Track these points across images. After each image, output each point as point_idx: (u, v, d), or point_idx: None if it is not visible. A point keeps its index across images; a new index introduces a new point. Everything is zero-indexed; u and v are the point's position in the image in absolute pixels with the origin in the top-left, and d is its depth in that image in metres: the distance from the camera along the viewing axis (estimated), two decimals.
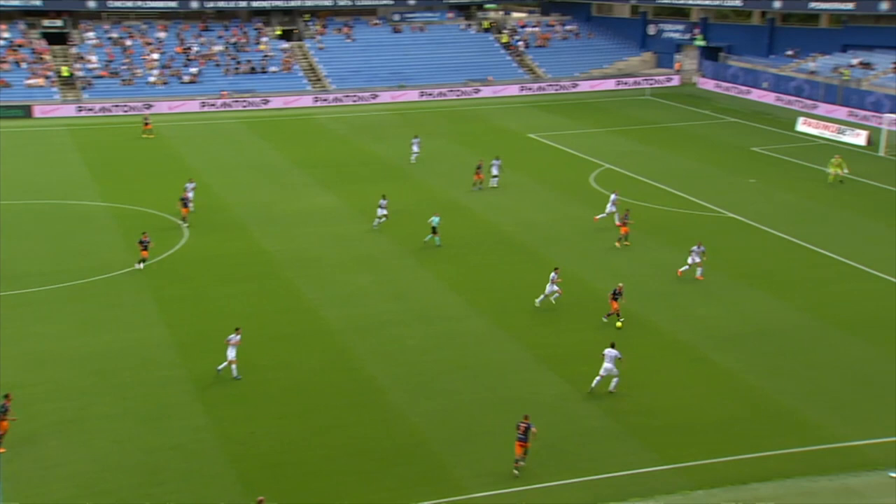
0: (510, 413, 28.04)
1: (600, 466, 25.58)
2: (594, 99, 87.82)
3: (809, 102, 78.30)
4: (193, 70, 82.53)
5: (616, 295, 34.08)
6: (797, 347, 32.24)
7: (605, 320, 33.94)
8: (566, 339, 33.24)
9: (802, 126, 70.42)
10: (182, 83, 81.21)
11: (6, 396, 26.61)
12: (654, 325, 33.75)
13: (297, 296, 37.13)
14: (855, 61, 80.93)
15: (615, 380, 29.27)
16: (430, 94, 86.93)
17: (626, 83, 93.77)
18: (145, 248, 39.00)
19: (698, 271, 38.68)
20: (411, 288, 38.17)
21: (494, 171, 53.70)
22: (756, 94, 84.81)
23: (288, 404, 28.85)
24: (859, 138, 65.32)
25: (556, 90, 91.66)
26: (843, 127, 67.40)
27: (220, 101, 78.62)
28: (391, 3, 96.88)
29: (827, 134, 67.72)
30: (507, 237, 44.70)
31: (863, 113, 72.72)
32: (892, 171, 56.17)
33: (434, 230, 42.61)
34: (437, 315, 35.42)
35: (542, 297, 35.63)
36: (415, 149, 60.67)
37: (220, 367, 30.24)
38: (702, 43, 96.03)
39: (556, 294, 35.64)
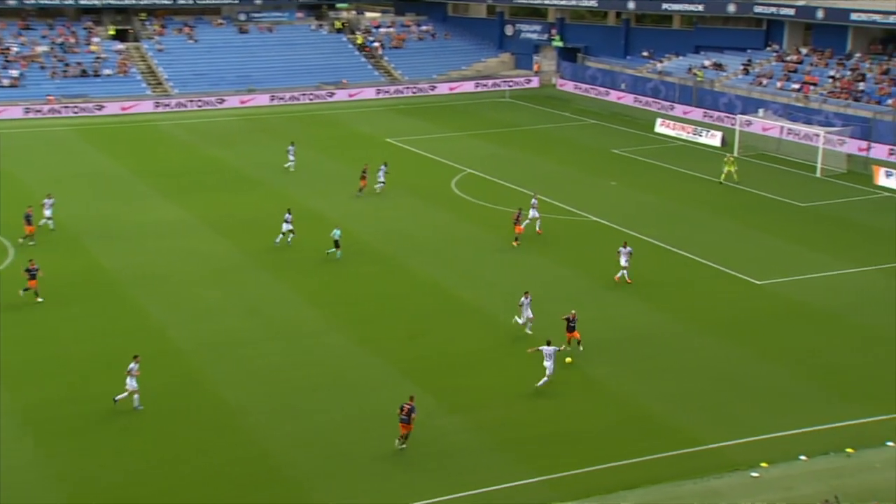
0: (375, 431, 27.69)
1: (470, 481, 25.56)
2: (453, 101, 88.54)
3: (666, 103, 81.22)
4: (14, 73, 78.52)
5: (570, 323, 32.27)
6: (664, 351, 33.19)
7: (566, 349, 31.75)
8: (431, 351, 33.18)
9: (661, 127, 72.98)
10: (1, 87, 77.17)
11: None
12: (523, 333, 34.09)
13: (142, 315, 35.72)
14: (707, 62, 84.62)
15: (545, 378, 29.82)
16: (281, 99, 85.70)
17: (485, 85, 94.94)
18: (33, 277, 36.39)
19: (625, 273, 39.37)
20: (267, 302, 37.36)
21: (381, 177, 54.04)
22: (614, 96, 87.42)
23: (131, 434, 27.61)
24: (714, 139, 68.22)
25: (414, 93, 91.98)
26: (698, 128, 70.28)
27: (46, 107, 75.04)
28: (236, 2, 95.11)
29: (684, 135, 70.43)
30: (367, 246, 44.43)
31: (717, 114, 76.02)
32: (747, 170, 58.94)
33: (336, 244, 42.28)
34: (296, 331, 34.76)
35: (522, 321, 34.02)
36: (290, 157, 59.74)
37: (119, 396, 28.95)
38: (559, 44, 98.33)
39: (529, 322, 33.59)
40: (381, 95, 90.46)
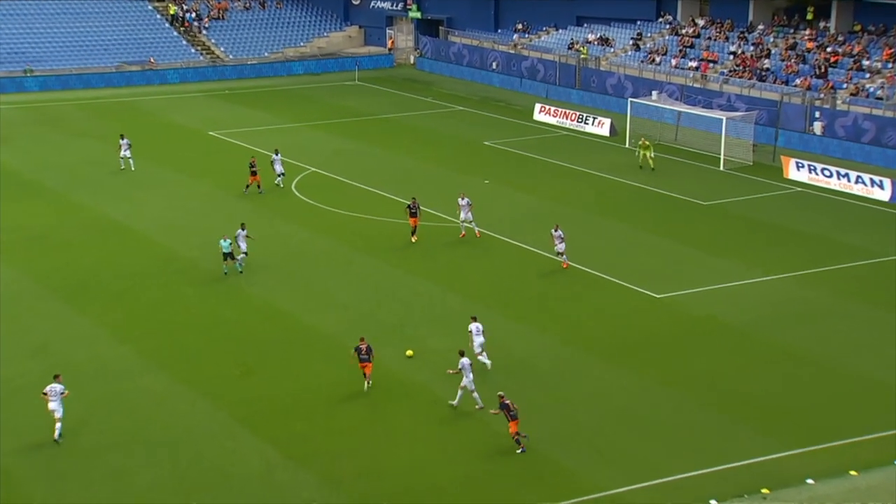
0: (203, 495, 27.20)
1: None
2: (290, 86, 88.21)
3: (546, 86, 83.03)
4: None
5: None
6: (548, 381, 33.72)
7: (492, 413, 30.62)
8: (271, 391, 32.88)
9: (540, 114, 74.45)
10: None
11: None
12: (381, 364, 34.14)
13: None
14: (592, 37, 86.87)
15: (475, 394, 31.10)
16: (67, 83, 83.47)
17: (328, 65, 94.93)
18: None
19: (564, 257, 43.36)
20: (60, 339, 36.24)
21: (278, 168, 54.56)
22: (484, 77, 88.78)
23: None
24: (602, 128, 69.98)
25: (241, 75, 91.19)
26: (584, 114, 72.01)
27: None
28: None
29: (567, 123, 72.00)
30: (188, 264, 43.73)
31: (604, 98, 78.13)
32: (637, 164, 60.69)
33: (229, 256, 42.36)
34: (98, 373, 33.83)
35: (483, 359, 34.19)
36: (124, 152, 58.27)
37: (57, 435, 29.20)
38: (417, 15, 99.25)
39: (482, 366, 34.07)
40: (200, 79, 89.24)
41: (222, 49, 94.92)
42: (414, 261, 44.27)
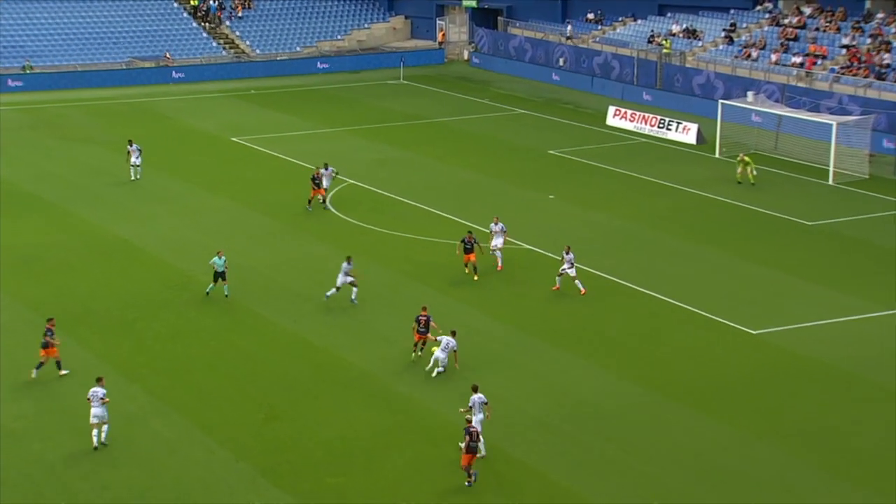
0: None
1: None
2: (325, 85, 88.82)
3: (621, 85, 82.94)
4: None
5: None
6: (626, 431, 33.47)
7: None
8: (297, 439, 32.91)
9: (614, 118, 74.40)
10: None
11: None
12: (431, 410, 34.10)
13: None
14: (676, 28, 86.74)
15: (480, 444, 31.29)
16: (72, 81, 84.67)
17: (370, 61, 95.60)
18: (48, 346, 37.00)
19: (577, 283, 43.77)
20: (58, 377, 36.56)
21: (325, 183, 55.00)
22: (550, 75, 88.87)
23: None
24: (688, 134, 69.80)
25: (269, 73, 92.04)
26: (666, 119, 71.85)
27: None
28: None
29: (647, 129, 71.88)
30: (205, 290, 44.06)
31: (691, 99, 77.86)
32: (731, 177, 60.43)
33: (220, 276, 43.09)
34: (132, 416, 34.11)
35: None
36: (135, 160, 59.24)
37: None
38: (472, 3, 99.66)
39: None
40: (223, 77, 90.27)
41: (248, 43, 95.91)
42: (468, 289, 44.25)
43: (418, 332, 37.88)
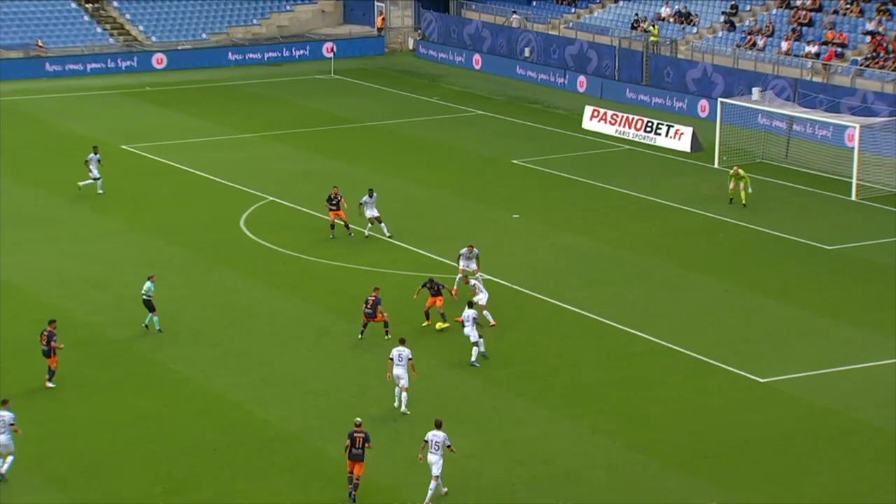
0: None
1: None
2: (239, 80, 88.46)
3: (600, 81, 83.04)
4: None
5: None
6: (602, 499, 33.53)
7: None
8: None
9: (591, 121, 74.37)
10: None
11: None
12: (367, 473, 34.03)
13: None
14: (666, 11, 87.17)
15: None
16: None
17: (293, 51, 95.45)
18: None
19: (485, 314, 44.22)
20: None
21: (369, 211, 53.47)
22: (513, 68, 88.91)
23: None
24: (681, 140, 69.85)
25: (169, 66, 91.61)
26: (654, 121, 71.86)
27: None
28: None
29: (631, 133, 71.98)
30: (90, 334, 43.66)
31: (684, 98, 78.06)
32: (728, 197, 60.47)
33: (148, 305, 43.81)
34: None
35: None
36: (93, 171, 59.28)
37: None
38: None
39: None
40: (112, 69, 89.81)
41: (141, 28, 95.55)
42: (408, 328, 43.99)
43: (365, 313, 42.39)
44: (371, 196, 54.02)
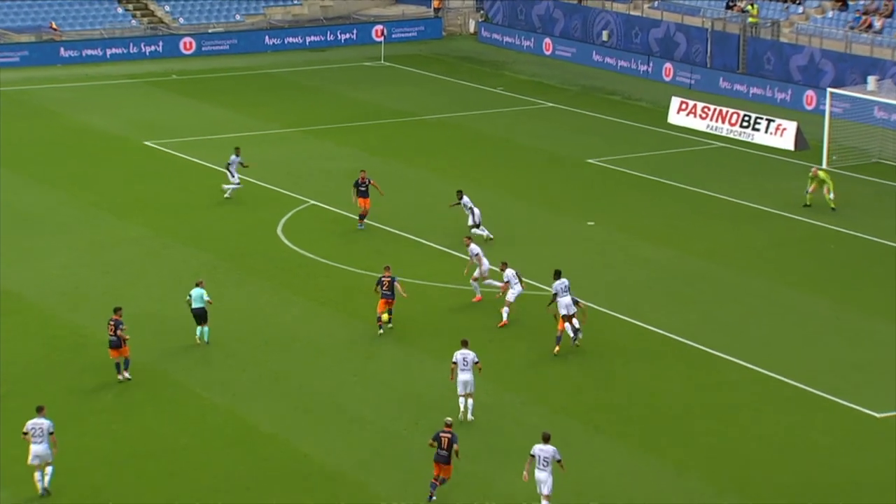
0: None
1: None
2: (278, 68, 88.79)
3: (688, 69, 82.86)
4: None
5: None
6: None
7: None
8: None
9: (680, 114, 74.28)
10: None
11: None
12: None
13: None
14: None
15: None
16: None
17: (339, 35, 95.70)
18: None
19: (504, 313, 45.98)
20: None
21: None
22: (590, 54, 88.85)
23: None
24: (784, 136, 69.62)
25: (199, 52, 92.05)
26: (752, 115, 71.70)
27: None
28: None
29: (726, 129, 71.79)
30: (107, 354, 43.94)
31: (788, 87, 77.77)
32: (850, 198, 60.08)
33: (199, 316, 44.63)
34: None
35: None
36: (234, 175, 60.11)
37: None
38: None
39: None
40: (135, 56, 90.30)
41: (167, 9, 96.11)
42: (476, 348, 43.93)
43: (383, 296, 44.82)
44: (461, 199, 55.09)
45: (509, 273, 46.25)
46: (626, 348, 45.13)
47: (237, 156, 59.97)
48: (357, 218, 55.95)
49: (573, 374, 42.91)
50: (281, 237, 55.52)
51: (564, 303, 44.07)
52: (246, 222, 57.01)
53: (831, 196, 58.29)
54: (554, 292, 44.36)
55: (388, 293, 44.74)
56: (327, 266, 52.34)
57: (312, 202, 59.89)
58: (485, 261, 47.80)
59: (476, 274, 47.99)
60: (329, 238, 55.37)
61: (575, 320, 44.20)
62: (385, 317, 45.27)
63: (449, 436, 34.41)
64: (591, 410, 40.58)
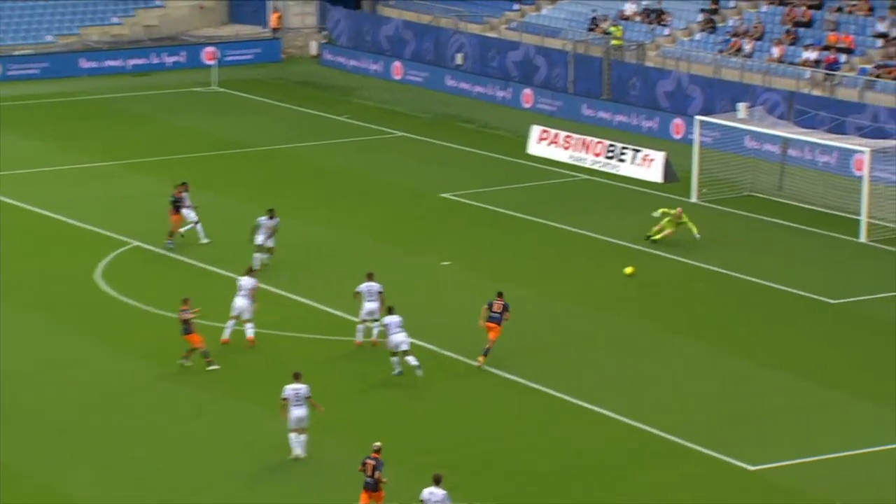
0: None
1: None
2: (96, 94, 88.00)
3: (549, 94, 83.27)
4: None
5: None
6: None
7: None
8: None
9: (539, 144, 74.58)
10: None
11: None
12: None
13: None
14: (632, 9, 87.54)
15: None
16: None
17: (165, 58, 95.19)
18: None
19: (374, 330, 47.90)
20: None
21: (262, 240, 55.61)
22: (443, 78, 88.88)
23: None
24: (651, 167, 70.16)
25: (5, 76, 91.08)
26: (617, 144, 72.16)
27: None
28: None
29: (589, 159, 72.17)
30: None
31: (655, 115, 78.59)
32: (720, 231, 61.04)
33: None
34: None
35: None
36: (191, 215, 59.37)
37: None
38: None
39: None
40: None
41: None
42: (328, 406, 43.80)
43: (490, 318, 47.02)
44: (271, 218, 55.20)
45: (391, 320, 46.72)
46: (483, 400, 45.31)
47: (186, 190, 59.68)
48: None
49: (429, 430, 42.92)
50: (99, 283, 55.09)
51: (395, 340, 45.63)
52: (59, 268, 56.31)
53: (696, 235, 59.06)
54: (385, 323, 46.34)
55: (497, 316, 46.79)
56: (153, 315, 51.66)
57: (136, 243, 59.42)
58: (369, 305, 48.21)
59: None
60: (155, 283, 54.86)
61: (410, 357, 45.47)
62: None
63: (374, 462, 35.56)
64: (441, 470, 40.55)
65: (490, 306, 46.60)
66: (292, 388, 39.93)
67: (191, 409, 44.35)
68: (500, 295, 46.92)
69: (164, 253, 58.20)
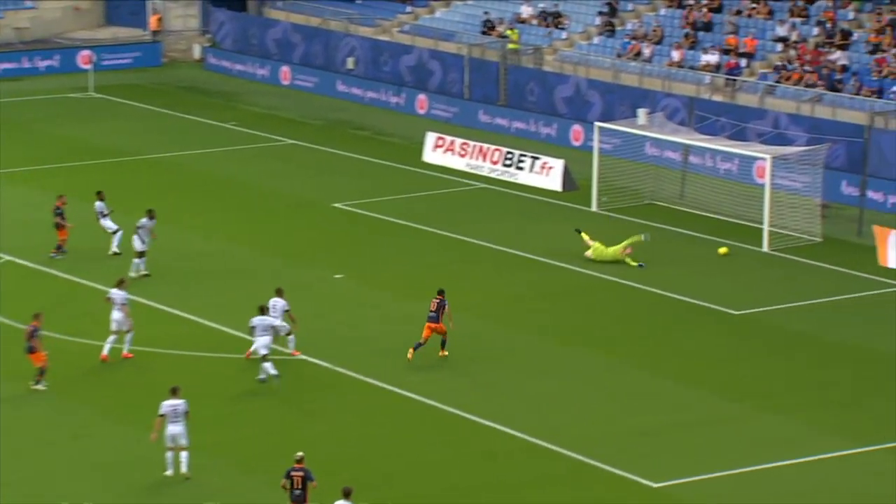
0: None
1: None
2: None
3: (445, 100, 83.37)
4: None
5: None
6: None
7: None
8: None
9: (435, 152, 74.82)
10: None
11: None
12: None
13: None
14: (528, 11, 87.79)
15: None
16: None
17: (38, 62, 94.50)
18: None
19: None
20: None
21: (109, 225, 57.14)
22: (333, 83, 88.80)
23: None
24: (549, 175, 70.44)
25: None
26: (514, 152, 72.50)
27: None
28: None
29: (486, 167, 72.31)
30: None
31: (553, 121, 78.86)
32: (617, 241, 60.97)
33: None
34: None
35: None
36: (110, 225, 59.18)
37: None
38: None
39: None
40: None
41: None
42: (201, 425, 43.72)
43: (428, 318, 48.80)
44: (151, 219, 55.71)
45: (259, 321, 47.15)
46: (380, 418, 45.43)
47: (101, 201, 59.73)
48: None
49: (322, 449, 42.92)
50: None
51: (256, 344, 46.78)
52: None
53: (624, 252, 59.34)
54: (251, 325, 46.94)
55: (434, 315, 48.90)
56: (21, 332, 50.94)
57: (7, 257, 59.08)
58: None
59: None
60: (30, 300, 54.20)
61: (268, 363, 46.47)
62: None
63: (301, 473, 35.61)
64: (338, 491, 40.76)
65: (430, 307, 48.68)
66: (170, 404, 39.86)
67: (70, 432, 44.19)
68: (440, 293, 48.87)
69: (37, 267, 57.76)
